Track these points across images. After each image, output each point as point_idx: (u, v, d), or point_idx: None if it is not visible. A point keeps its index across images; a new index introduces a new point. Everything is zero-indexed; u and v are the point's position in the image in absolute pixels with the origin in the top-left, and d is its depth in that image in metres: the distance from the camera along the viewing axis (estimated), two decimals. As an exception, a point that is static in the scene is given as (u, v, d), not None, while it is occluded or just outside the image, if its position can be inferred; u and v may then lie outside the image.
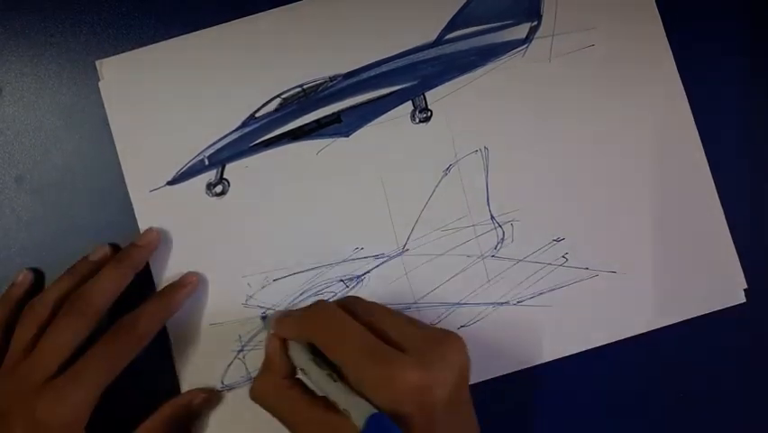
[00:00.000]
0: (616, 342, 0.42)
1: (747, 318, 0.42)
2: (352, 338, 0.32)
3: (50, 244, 0.42)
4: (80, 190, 0.42)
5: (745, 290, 0.42)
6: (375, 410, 0.30)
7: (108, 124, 0.42)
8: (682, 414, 0.42)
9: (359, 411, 0.30)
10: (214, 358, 0.41)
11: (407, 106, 0.42)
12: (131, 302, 0.40)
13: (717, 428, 0.42)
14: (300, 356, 0.34)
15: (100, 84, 0.42)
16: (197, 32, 0.42)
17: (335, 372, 0.33)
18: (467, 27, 0.43)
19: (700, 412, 0.42)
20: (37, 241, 0.42)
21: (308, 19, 0.42)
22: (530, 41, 0.43)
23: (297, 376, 0.35)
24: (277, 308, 0.41)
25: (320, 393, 0.33)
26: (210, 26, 0.42)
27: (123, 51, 0.42)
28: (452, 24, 0.43)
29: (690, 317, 0.42)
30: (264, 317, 0.41)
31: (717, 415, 0.42)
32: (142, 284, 0.41)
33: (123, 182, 0.42)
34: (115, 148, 0.42)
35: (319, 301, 0.36)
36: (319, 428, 0.32)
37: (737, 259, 0.42)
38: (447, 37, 0.43)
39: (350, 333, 0.33)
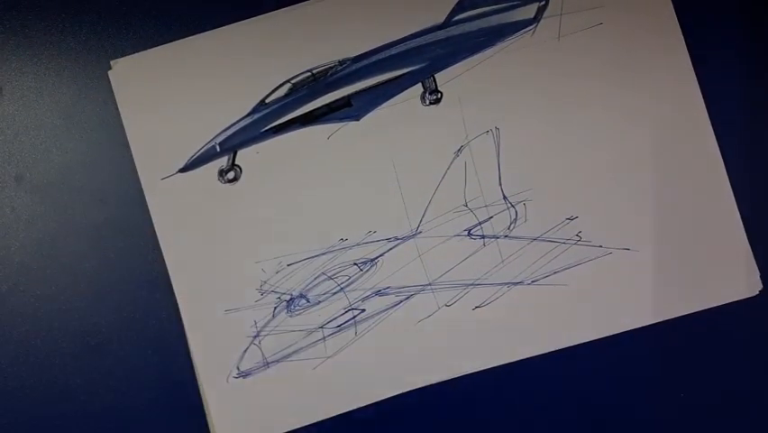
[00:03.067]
0: (626, 332, 0.42)
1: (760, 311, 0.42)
2: None
3: (50, 243, 0.42)
4: (80, 190, 0.42)
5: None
6: None
7: (109, 124, 0.42)
8: (695, 408, 0.42)
9: None
10: (230, 344, 0.41)
11: (417, 89, 0.42)
12: (140, 295, 0.40)
13: (729, 418, 0.42)
14: None
15: (110, 74, 0.42)
16: (208, 32, 0.42)
17: None
18: (475, 8, 0.43)
19: (712, 406, 0.42)
20: (37, 240, 0.42)
21: (317, 8, 0.42)
22: (538, 21, 0.43)
23: None
24: (291, 293, 0.41)
25: None
26: (218, 27, 0.42)
27: (124, 50, 0.42)
28: (461, 5, 0.43)
29: (704, 307, 0.42)
30: None
31: (730, 407, 0.42)
32: (155, 271, 0.41)
33: (124, 181, 0.42)
34: (116, 147, 0.42)
35: None
36: None
37: (749, 249, 0.42)
38: (456, 18, 0.43)
39: None
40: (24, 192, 0.42)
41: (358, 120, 0.42)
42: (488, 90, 0.42)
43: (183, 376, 0.41)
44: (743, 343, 0.42)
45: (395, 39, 0.42)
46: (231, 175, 0.42)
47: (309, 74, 0.42)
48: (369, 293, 0.42)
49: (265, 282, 0.41)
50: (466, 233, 0.42)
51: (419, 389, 0.41)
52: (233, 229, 0.42)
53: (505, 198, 0.42)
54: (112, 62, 0.42)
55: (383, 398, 0.41)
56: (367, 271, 0.42)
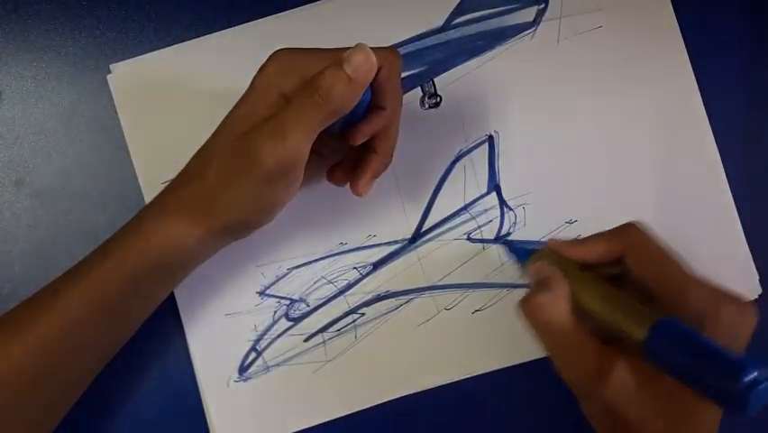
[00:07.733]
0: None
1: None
2: (675, 263, 0.33)
3: (51, 247, 0.42)
4: (80, 193, 0.42)
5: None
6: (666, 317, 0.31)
7: (108, 127, 0.42)
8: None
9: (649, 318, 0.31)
10: (230, 348, 0.41)
11: (416, 92, 0.42)
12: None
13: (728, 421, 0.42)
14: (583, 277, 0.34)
15: (109, 78, 0.42)
16: (206, 36, 0.42)
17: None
18: (474, 12, 0.43)
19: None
20: (37, 244, 0.42)
21: (315, 12, 0.42)
22: (538, 24, 0.43)
23: None
24: (291, 297, 0.41)
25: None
26: (216, 31, 0.42)
27: (123, 54, 0.42)
28: (460, 9, 0.43)
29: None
30: (516, 250, 0.40)
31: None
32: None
33: (123, 185, 0.42)
34: (116, 151, 0.42)
35: (632, 224, 0.35)
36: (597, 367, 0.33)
37: (749, 253, 0.42)
38: (455, 22, 0.43)
39: (670, 257, 0.34)
40: (24, 196, 0.42)
41: (357, 124, 0.42)
42: (487, 94, 0.42)
43: (184, 380, 0.41)
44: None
45: (394, 42, 0.42)
46: (230, 179, 0.42)
47: (309, 78, 0.42)
48: (368, 297, 0.42)
49: (265, 287, 0.42)
50: (465, 236, 0.42)
51: (419, 392, 0.41)
52: (233, 233, 0.42)
53: (504, 201, 0.42)
54: (111, 66, 0.42)
55: (383, 401, 0.41)
56: (367, 275, 0.42)
